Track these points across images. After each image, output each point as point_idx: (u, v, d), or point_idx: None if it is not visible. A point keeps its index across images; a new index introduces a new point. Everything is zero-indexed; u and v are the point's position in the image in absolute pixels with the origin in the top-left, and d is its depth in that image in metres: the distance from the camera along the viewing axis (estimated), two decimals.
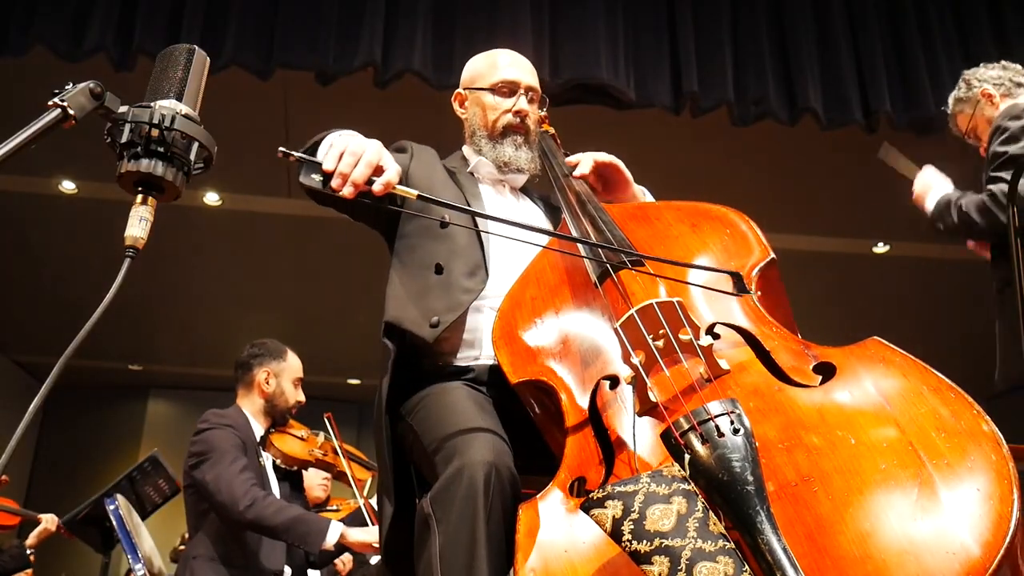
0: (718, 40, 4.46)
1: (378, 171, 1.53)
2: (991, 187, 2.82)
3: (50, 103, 1.13)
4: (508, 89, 2.09)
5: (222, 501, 3.12)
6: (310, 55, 4.12)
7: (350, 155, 1.51)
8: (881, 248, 6.52)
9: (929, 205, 3.09)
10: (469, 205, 1.97)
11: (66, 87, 1.14)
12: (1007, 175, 2.74)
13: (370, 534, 3.20)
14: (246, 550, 3.27)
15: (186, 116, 1.21)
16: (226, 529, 3.24)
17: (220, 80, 3.79)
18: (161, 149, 1.18)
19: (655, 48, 4.43)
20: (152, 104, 1.21)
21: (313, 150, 1.73)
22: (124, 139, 1.18)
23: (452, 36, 4.26)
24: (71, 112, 1.13)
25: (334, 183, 1.49)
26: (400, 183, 1.56)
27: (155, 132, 1.18)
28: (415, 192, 1.49)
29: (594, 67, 4.18)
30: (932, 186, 3.14)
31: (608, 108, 4.33)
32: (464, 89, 2.18)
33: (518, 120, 2.07)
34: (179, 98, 1.23)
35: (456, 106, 2.20)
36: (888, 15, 4.66)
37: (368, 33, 4.10)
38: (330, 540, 3.10)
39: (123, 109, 1.20)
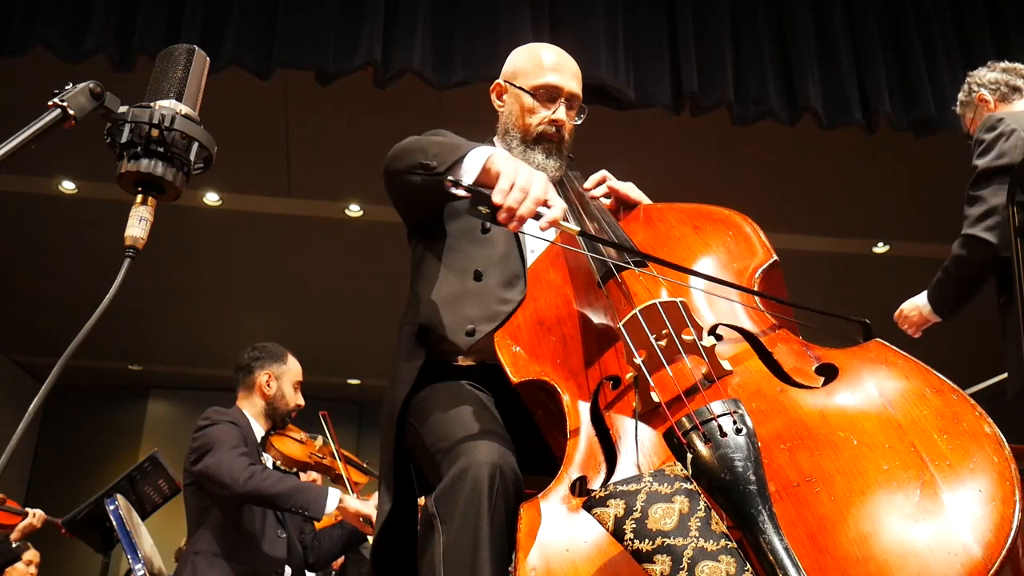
0: (718, 40, 4.46)
1: (544, 205, 1.53)
2: (966, 211, 2.75)
3: (50, 103, 1.13)
4: (548, 95, 2.04)
5: (223, 481, 3.15)
6: (310, 55, 4.12)
7: (519, 191, 1.51)
8: (881, 248, 6.52)
9: (925, 307, 2.96)
10: None
11: (66, 87, 1.14)
12: (983, 192, 2.71)
13: (366, 506, 3.25)
14: (248, 545, 3.29)
15: (186, 116, 1.21)
16: (228, 524, 3.27)
17: (220, 80, 3.79)
18: (161, 149, 1.18)
19: (655, 48, 4.43)
20: (152, 104, 1.21)
21: (456, 166, 1.68)
22: (124, 139, 1.18)
23: (452, 36, 4.26)
24: (71, 112, 1.13)
25: (501, 216, 1.50)
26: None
27: (155, 132, 1.18)
28: (577, 228, 1.53)
29: (594, 67, 4.18)
30: (916, 301, 3.03)
31: (608, 108, 4.33)
32: (505, 81, 2.12)
33: (553, 129, 2.03)
34: (179, 98, 1.23)
35: (494, 97, 2.15)
36: (888, 15, 4.66)
37: (368, 33, 4.10)
38: (331, 506, 3.15)
39: (123, 109, 1.20)
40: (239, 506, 3.29)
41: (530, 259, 1.92)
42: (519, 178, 1.52)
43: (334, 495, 3.18)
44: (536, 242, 1.95)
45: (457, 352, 1.82)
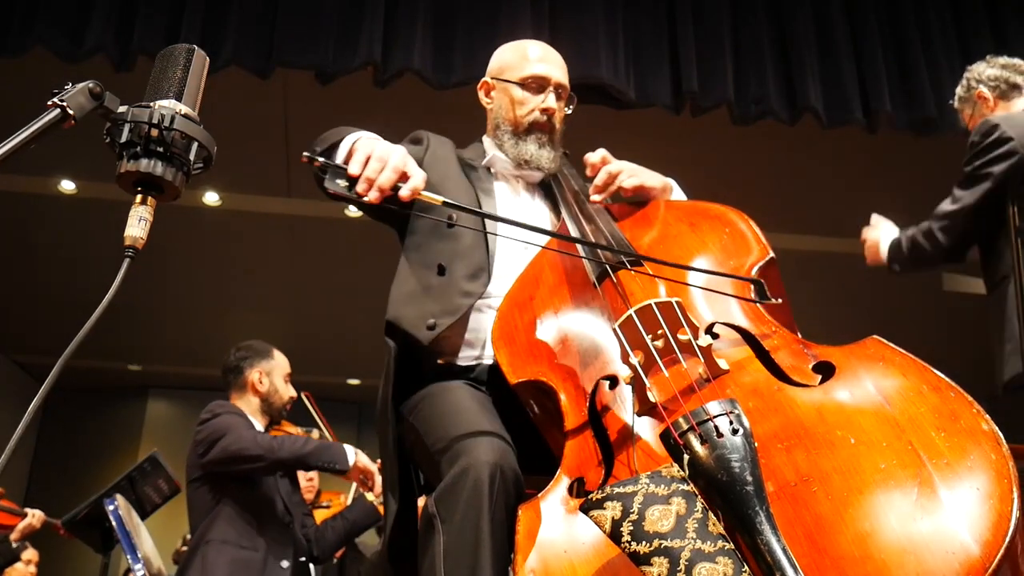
0: (718, 40, 4.46)
1: (403, 177, 1.53)
2: (943, 203, 2.84)
3: (50, 103, 1.12)
4: (537, 85, 2.05)
5: (255, 454, 3.24)
6: (310, 54, 4.11)
7: (376, 160, 1.51)
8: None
9: (883, 252, 3.07)
10: (480, 203, 1.95)
11: (66, 87, 1.14)
12: (961, 193, 2.79)
13: (373, 464, 3.41)
14: (257, 532, 3.34)
15: (185, 116, 1.21)
16: (240, 512, 3.33)
17: (220, 80, 3.79)
18: (160, 149, 1.18)
19: (655, 48, 4.43)
20: (151, 104, 1.20)
21: (331, 151, 1.71)
22: (123, 139, 1.18)
23: (452, 36, 4.25)
24: (71, 112, 1.13)
25: (360, 188, 1.50)
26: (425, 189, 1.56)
27: (155, 132, 1.17)
28: (440, 198, 1.51)
29: (594, 67, 4.17)
30: (880, 237, 3.12)
31: (608, 108, 4.33)
32: (491, 79, 2.14)
33: (544, 118, 2.04)
34: (179, 98, 1.23)
35: (481, 95, 2.17)
36: (888, 15, 4.66)
37: (368, 32, 4.10)
38: (351, 459, 3.34)
39: (122, 109, 1.19)
40: (255, 488, 3.37)
41: (499, 254, 1.90)
42: (376, 150, 1.53)
43: (350, 450, 3.36)
44: (502, 236, 1.94)
45: (461, 348, 1.82)
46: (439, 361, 1.85)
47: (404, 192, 1.52)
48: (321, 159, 1.51)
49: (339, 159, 1.62)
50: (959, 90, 3.14)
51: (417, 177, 1.54)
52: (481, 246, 1.90)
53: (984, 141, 2.76)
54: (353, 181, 1.50)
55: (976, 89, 3.04)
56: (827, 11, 4.60)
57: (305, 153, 1.51)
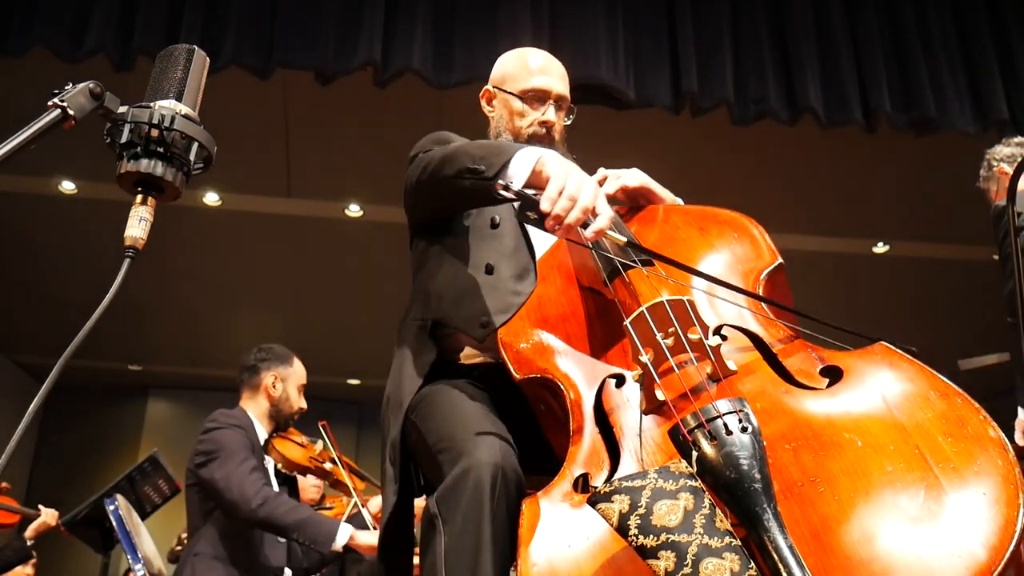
0: (718, 40, 4.46)
1: (592, 213, 1.53)
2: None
3: (50, 103, 1.12)
4: (537, 97, 2.07)
5: (233, 499, 3.13)
6: (310, 55, 4.11)
7: (567, 199, 1.51)
8: (881, 248, 6.52)
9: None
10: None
11: (66, 87, 1.14)
12: (1009, 273, 2.88)
13: (376, 538, 3.17)
14: (248, 549, 3.28)
15: (186, 116, 1.21)
16: (229, 527, 3.26)
17: (220, 80, 3.79)
18: (161, 149, 1.18)
19: (655, 48, 4.43)
20: (152, 104, 1.20)
21: (504, 164, 1.65)
22: (124, 139, 1.17)
23: (452, 36, 4.25)
24: (71, 112, 1.12)
25: (548, 224, 1.51)
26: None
27: (155, 132, 1.17)
28: (624, 238, 1.54)
29: (594, 67, 4.17)
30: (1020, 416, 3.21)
31: (608, 108, 4.33)
32: (493, 87, 2.16)
33: (544, 131, 2.05)
34: (179, 98, 1.23)
35: (483, 103, 2.18)
36: (888, 15, 4.66)
37: (368, 32, 4.09)
38: (339, 542, 3.11)
39: (123, 109, 1.19)
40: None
41: (540, 255, 1.93)
42: (568, 185, 1.53)
43: (344, 531, 3.14)
44: (541, 237, 1.95)
45: (467, 346, 1.83)
46: (460, 358, 1.86)
47: (589, 233, 1.53)
48: (515, 190, 1.54)
49: (518, 177, 1.61)
50: (982, 171, 3.44)
51: (604, 216, 1.54)
52: (524, 248, 1.92)
53: (999, 223, 3.01)
54: (544, 216, 1.51)
55: (997, 167, 3.35)
56: (827, 11, 4.60)
57: (500, 181, 1.56)
